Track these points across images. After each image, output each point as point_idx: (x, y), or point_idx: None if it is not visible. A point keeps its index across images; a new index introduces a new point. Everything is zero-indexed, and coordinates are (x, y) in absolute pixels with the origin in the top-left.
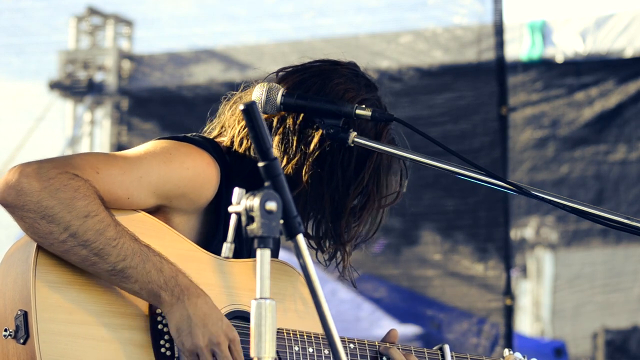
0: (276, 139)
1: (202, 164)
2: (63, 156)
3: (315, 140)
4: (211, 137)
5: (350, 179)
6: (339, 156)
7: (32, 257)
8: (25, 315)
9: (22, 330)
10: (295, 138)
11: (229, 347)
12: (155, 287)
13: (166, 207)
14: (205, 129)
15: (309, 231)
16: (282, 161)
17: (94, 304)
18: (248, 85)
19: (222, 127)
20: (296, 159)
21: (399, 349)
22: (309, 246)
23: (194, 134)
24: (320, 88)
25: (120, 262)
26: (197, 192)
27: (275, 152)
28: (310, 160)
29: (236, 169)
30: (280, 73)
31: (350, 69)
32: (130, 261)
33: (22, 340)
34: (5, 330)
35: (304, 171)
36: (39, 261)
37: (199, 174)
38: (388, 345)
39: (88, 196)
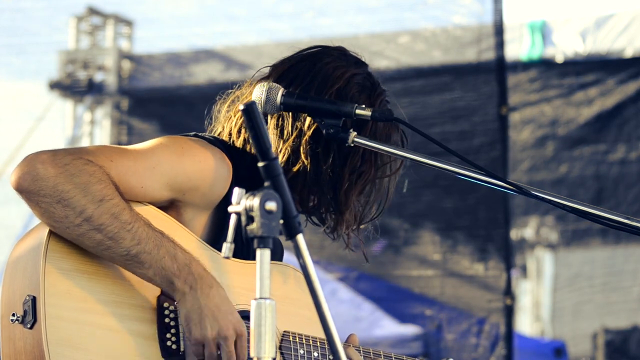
0: (271, 122)
1: (213, 158)
2: (76, 147)
3: (310, 118)
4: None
5: (347, 150)
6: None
7: (43, 244)
8: (33, 300)
9: (30, 315)
10: (290, 119)
11: (235, 343)
12: (169, 273)
13: (179, 201)
14: (207, 130)
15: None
16: (278, 143)
17: (102, 293)
18: (242, 84)
19: (222, 127)
20: (292, 138)
21: (389, 357)
22: (312, 222)
23: (204, 133)
24: (309, 69)
25: (135, 247)
26: (209, 185)
27: (270, 135)
28: (306, 137)
29: (241, 164)
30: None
31: (339, 49)
32: (144, 246)
33: (29, 325)
34: (13, 315)
35: (301, 149)
36: (50, 248)
37: (211, 166)
38: (344, 344)
39: (103, 181)
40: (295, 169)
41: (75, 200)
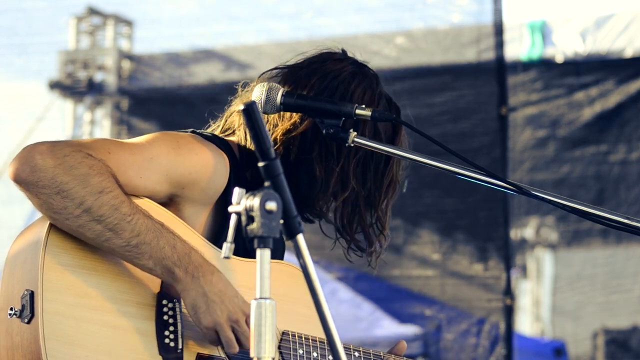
0: (316, 151)
1: (210, 152)
2: (74, 139)
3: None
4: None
5: (382, 169)
6: (370, 154)
7: (42, 239)
8: (31, 294)
9: (28, 309)
10: (334, 149)
11: (246, 323)
12: (169, 263)
13: (178, 196)
14: (209, 128)
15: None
16: (322, 172)
17: (101, 289)
18: (247, 83)
19: (228, 129)
20: (339, 166)
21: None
22: (350, 248)
23: (202, 130)
24: (332, 92)
25: (135, 238)
26: (207, 180)
27: (318, 166)
28: (352, 165)
29: (248, 167)
30: (282, 70)
31: (355, 63)
32: (144, 237)
33: (26, 320)
34: (11, 309)
35: (350, 177)
36: (50, 242)
37: (209, 161)
38: (394, 357)
39: (102, 173)
40: (345, 195)
41: (74, 191)
